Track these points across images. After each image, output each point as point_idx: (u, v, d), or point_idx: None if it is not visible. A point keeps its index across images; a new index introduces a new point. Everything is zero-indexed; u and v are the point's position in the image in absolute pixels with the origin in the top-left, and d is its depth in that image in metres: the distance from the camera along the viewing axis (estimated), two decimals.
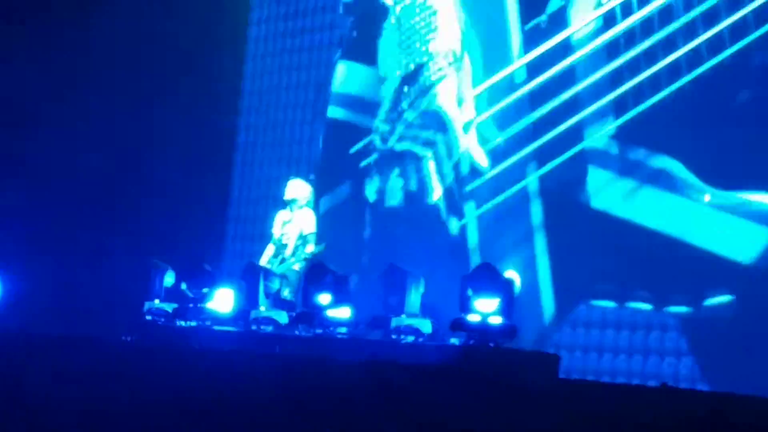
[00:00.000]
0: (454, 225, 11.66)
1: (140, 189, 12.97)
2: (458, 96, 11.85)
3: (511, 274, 10.58)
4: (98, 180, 12.76)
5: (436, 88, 11.97)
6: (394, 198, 12.17)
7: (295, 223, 10.52)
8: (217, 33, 13.54)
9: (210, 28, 13.39)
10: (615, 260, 10.22)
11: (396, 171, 12.20)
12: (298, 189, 10.62)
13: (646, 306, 10.07)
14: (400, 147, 12.24)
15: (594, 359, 10.37)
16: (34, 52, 12.37)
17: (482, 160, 11.37)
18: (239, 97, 14.31)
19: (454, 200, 11.66)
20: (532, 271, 10.83)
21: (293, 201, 10.53)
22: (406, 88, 12.28)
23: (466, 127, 11.71)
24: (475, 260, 11.24)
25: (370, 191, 12.46)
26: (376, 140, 12.55)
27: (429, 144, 11.98)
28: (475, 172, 11.50)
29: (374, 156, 12.60)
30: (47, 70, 12.23)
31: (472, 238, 11.54)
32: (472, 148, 11.56)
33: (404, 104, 12.24)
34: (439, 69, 11.95)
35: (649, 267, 10.08)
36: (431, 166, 11.90)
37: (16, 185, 12.01)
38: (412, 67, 12.17)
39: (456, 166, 11.69)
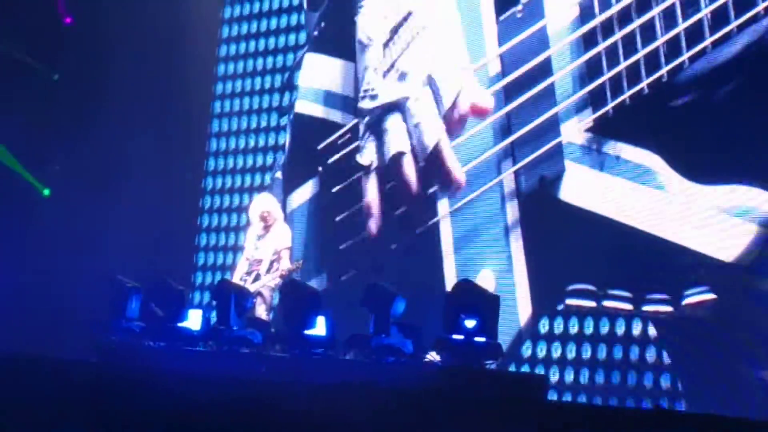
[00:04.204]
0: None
1: (102, 203, 12.55)
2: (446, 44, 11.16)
3: (487, 273, 10.41)
4: (59, 194, 12.54)
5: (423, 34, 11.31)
6: (400, 144, 11.17)
7: (269, 238, 10.27)
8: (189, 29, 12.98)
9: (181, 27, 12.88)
10: (593, 259, 9.98)
11: (397, 118, 11.24)
12: (267, 204, 10.43)
13: (624, 305, 9.82)
14: (393, 96, 11.35)
15: (570, 374, 10.18)
16: None
17: (486, 99, 10.71)
18: (211, 101, 13.58)
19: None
20: (508, 271, 10.53)
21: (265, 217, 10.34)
22: (396, 37, 11.44)
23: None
24: (449, 261, 10.98)
25: (366, 155, 11.49)
26: (364, 104, 11.63)
27: (424, 83, 11.18)
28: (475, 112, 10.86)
29: (365, 120, 11.67)
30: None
31: (446, 237, 11.15)
32: (471, 88, 10.87)
33: (394, 52, 11.39)
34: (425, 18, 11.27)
35: (628, 266, 9.84)
36: (428, 104, 11.09)
37: None
38: (398, 19, 11.45)
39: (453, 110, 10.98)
